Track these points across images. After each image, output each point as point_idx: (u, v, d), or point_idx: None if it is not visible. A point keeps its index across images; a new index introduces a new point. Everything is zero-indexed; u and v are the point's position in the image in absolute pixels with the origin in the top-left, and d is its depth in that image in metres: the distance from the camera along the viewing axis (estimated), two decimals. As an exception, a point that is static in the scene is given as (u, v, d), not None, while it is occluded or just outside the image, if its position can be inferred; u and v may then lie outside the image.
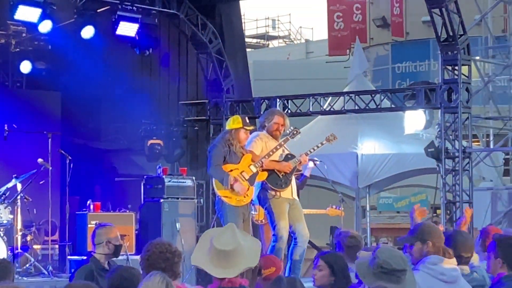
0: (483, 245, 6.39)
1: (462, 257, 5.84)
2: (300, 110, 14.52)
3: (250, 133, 9.50)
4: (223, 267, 4.59)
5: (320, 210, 12.44)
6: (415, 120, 13.69)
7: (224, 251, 4.57)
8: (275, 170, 9.19)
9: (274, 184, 9.16)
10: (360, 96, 14.42)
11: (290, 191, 9.25)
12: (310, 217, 12.68)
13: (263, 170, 9.17)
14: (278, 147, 9.21)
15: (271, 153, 9.19)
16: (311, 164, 10.63)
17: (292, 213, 9.19)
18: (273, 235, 9.11)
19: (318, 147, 9.58)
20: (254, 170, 9.20)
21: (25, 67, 14.36)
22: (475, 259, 6.21)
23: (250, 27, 35.43)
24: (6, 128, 12.62)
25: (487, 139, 18.31)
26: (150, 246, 5.23)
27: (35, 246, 12.78)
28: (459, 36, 12.99)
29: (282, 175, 9.20)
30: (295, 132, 9.36)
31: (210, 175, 9.38)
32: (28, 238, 12.66)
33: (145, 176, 13.40)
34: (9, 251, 11.56)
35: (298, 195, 9.57)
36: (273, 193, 9.15)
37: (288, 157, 9.30)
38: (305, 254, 9.23)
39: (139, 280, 4.88)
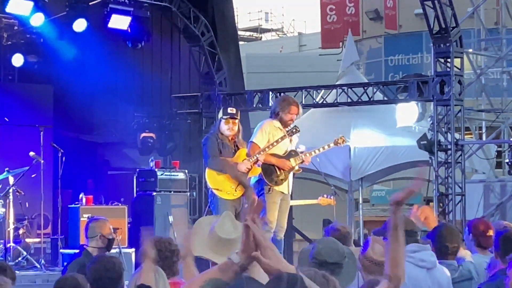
0: (474, 239, 6.35)
1: (448, 247, 5.86)
2: (292, 103, 14.47)
3: (234, 123, 9.44)
4: (225, 255, 4.60)
5: (312, 200, 12.46)
6: (407, 112, 13.69)
7: (227, 239, 4.58)
8: (275, 165, 9.17)
9: (269, 179, 9.15)
10: (353, 88, 14.42)
11: (286, 186, 9.24)
12: (303, 210, 12.72)
13: (263, 163, 9.16)
14: (275, 143, 9.17)
15: (266, 149, 9.16)
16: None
17: (280, 204, 9.22)
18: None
19: (324, 148, 9.55)
20: (248, 163, 9.21)
21: (17, 60, 14.31)
22: (467, 254, 6.21)
23: (243, 20, 35.50)
24: (-3, 121, 12.61)
25: (480, 132, 18.35)
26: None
27: (27, 240, 12.75)
28: (451, 28, 12.99)
29: (280, 171, 9.18)
30: (294, 130, 9.31)
31: (209, 167, 9.36)
32: (21, 231, 12.63)
33: (137, 169, 13.40)
34: (1, 245, 11.55)
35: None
36: (267, 187, 9.15)
37: (291, 154, 9.27)
38: (285, 247, 9.33)
39: (120, 269, 4.87)
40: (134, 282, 4.34)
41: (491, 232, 6.10)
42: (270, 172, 9.18)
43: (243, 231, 3.23)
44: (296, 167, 9.34)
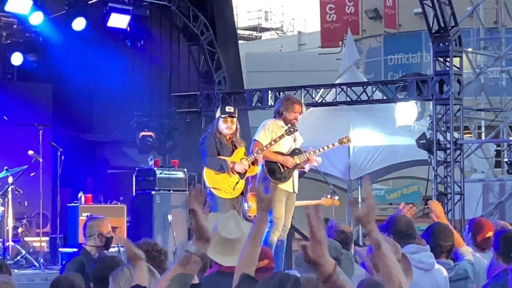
0: (473, 239, 6.32)
1: (442, 246, 5.85)
2: (292, 102, 14.47)
3: (232, 122, 9.45)
4: (228, 255, 4.60)
5: (314, 201, 12.46)
6: (406, 111, 13.70)
7: (230, 239, 4.58)
8: (278, 163, 9.17)
9: (273, 176, 9.15)
10: (352, 88, 14.42)
11: (291, 185, 9.23)
12: (303, 209, 12.69)
13: (266, 161, 9.16)
14: (273, 143, 9.16)
15: (264, 148, 9.16)
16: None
17: (285, 202, 9.22)
18: (269, 221, 9.15)
19: (328, 147, 9.55)
20: (246, 163, 9.21)
21: (16, 59, 14.31)
22: (467, 251, 6.20)
23: (243, 18, 35.48)
24: (-4, 120, 12.61)
25: (479, 131, 18.35)
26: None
27: (26, 238, 12.76)
28: (450, 27, 12.99)
29: (284, 169, 9.18)
30: (292, 129, 9.29)
31: (207, 166, 9.36)
32: (19, 230, 12.64)
33: (136, 168, 13.38)
34: (0, 244, 11.55)
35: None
36: (272, 184, 9.14)
37: (295, 152, 9.26)
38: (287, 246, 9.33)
39: None
40: (118, 282, 4.34)
41: (490, 234, 6.05)
42: (273, 169, 9.18)
43: (191, 217, 3.24)
44: (307, 167, 9.33)
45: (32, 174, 12.26)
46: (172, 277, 3.27)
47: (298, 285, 3.41)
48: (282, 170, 9.19)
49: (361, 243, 12.96)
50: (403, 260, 4.69)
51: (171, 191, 12.97)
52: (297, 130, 9.33)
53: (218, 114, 9.59)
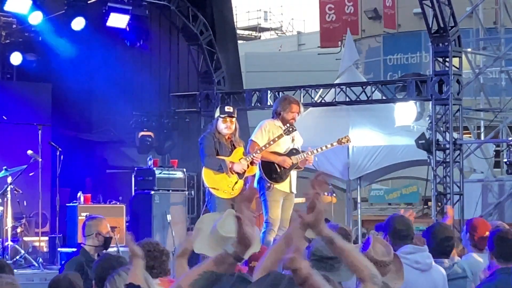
0: (471, 239, 6.34)
1: (442, 246, 5.86)
2: (291, 102, 14.45)
3: (232, 122, 9.47)
4: None
5: (312, 199, 12.44)
6: (406, 112, 13.70)
7: (229, 237, 4.57)
8: (274, 163, 9.17)
9: (269, 176, 9.16)
10: (351, 88, 14.41)
11: (288, 185, 9.23)
12: (301, 209, 12.70)
13: (262, 161, 9.16)
14: (271, 143, 9.17)
15: (263, 148, 9.17)
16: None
17: (283, 203, 9.22)
18: (265, 221, 9.15)
19: (327, 147, 9.54)
20: (244, 163, 9.22)
21: (16, 58, 14.29)
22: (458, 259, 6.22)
23: (242, 18, 35.46)
24: (-4, 120, 12.60)
25: (478, 131, 18.34)
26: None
27: (25, 238, 12.75)
28: (450, 28, 12.99)
29: (280, 169, 9.18)
30: (290, 129, 9.29)
31: (205, 166, 9.35)
32: (19, 230, 12.62)
33: (136, 168, 13.39)
34: (-1, 243, 11.56)
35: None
36: (268, 184, 9.15)
37: (292, 152, 9.26)
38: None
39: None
40: (115, 286, 4.34)
41: (487, 233, 6.07)
42: (270, 169, 9.18)
43: (236, 222, 3.20)
44: (299, 165, 9.33)
45: (31, 174, 12.26)
46: (202, 272, 3.23)
47: (292, 285, 3.40)
48: (278, 170, 9.19)
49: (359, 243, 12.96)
50: (395, 261, 4.68)
51: (170, 191, 12.98)
52: (295, 130, 9.33)
53: (217, 114, 9.60)
